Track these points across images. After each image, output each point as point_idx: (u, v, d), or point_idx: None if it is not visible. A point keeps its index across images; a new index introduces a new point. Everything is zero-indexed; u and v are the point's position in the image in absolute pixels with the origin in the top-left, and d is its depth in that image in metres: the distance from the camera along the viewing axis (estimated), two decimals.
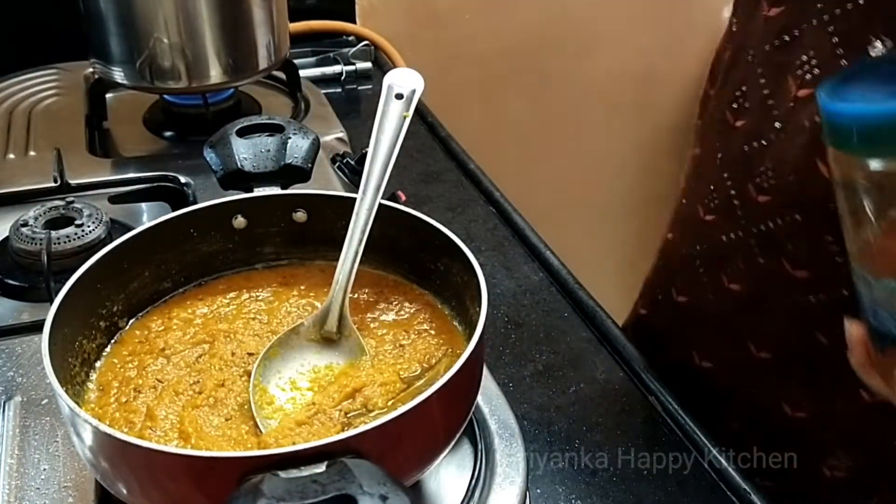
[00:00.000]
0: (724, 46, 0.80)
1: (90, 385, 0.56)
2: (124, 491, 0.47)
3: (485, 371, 0.60)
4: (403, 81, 0.61)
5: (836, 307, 0.66)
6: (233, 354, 0.58)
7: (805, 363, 0.72)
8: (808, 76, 0.67)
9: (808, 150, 0.66)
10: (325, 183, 0.86)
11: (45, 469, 0.56)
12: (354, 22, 1.37)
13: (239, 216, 0.64)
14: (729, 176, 0.75)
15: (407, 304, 0.62)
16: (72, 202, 0.80)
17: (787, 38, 0.68)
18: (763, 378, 0.74)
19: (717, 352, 0.78)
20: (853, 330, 0.53)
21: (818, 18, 0.65)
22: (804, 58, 0.67)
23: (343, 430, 0.51)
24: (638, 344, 0.78)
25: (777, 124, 0.69)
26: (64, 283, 0.54)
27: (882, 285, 0.48)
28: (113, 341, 0.59)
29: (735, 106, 0.74)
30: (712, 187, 0.77)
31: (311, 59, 1.25)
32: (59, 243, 0.75)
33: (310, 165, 0.67)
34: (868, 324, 0.50)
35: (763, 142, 0.71)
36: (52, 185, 0.87)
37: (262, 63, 0.97)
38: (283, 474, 0.40)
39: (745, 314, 0.75)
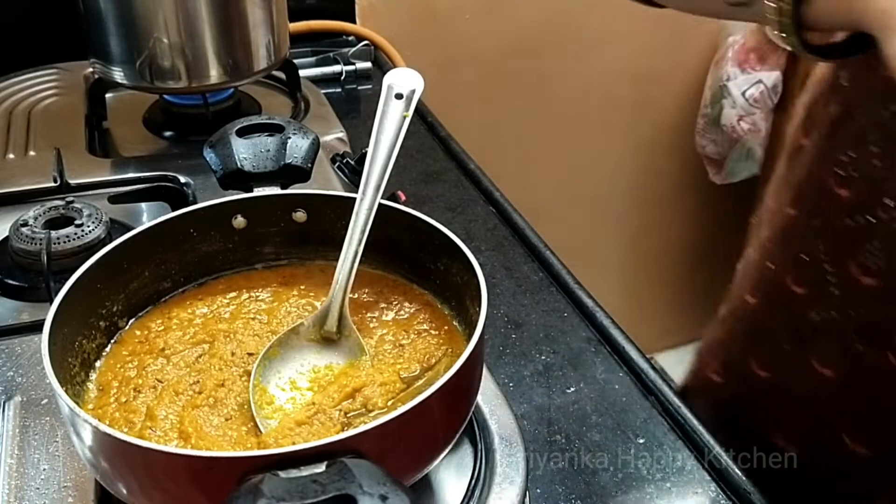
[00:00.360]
0: (825, 98, 0.70)
1: (90, 385, 0.56)
2: (124, 491, 0.47)
3: (485, 371, 0.60)
4: (403, 81, 0.61)
5: None
6: (233, 354, 0.58)
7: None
8: None
9: None
10: (325, 183, 0.86)
11: (44, 469, 0.56)
12: (354, 22, 1.37)
13: (239, 216, 0.64)
14: (825, 249, 0.67)
15: (407, 304, 0.62)
16: (71, 202, 0.80)
17: None
18: (859, 475, 0.67)
19: (803, 438, 0.71)
20: None
21: None
22: None
23: (343, 430, 0.51)
24: (706, 411, 0.71)
25: (888, 201, 0.62)
26: (64, 283, 0.54)
27: None
28: (113, 341, 0.59)
29: (841, 172, 0.66)
30: (805, 257, 0.69)
31: (311, 59, 1.25)
32: (58, 243, 0.75)
33: (309, 165, 0.67)
34: None
35: (871, 218, 0.63)
36: (52, 184, 0.87)
37: (262, 63, 0.97)
38: (282, 474, 0.40)
39: (838, 402, 0.68)
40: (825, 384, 0.68)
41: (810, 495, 0.71)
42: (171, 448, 0.47)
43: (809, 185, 0.70)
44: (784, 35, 0.54)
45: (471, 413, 0.54)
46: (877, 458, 0.66)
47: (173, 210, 0.64)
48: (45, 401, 0.61)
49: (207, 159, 0.68)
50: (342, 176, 0.92)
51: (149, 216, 0.87)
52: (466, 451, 0.59)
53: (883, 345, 0.64)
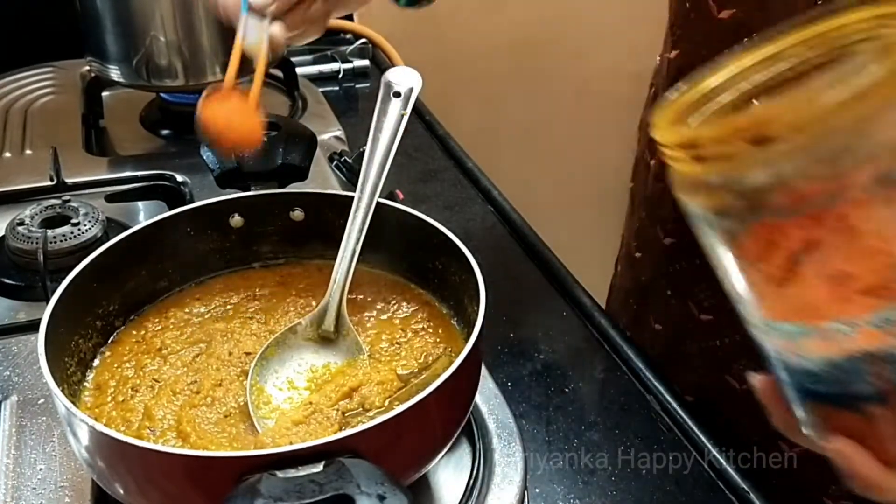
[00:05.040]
0: (651, 82, 0.82)
1: (87, 384, 0.56)
2: (121, 491, 0.47)
3: (483, 370, 0.60)
4: (401, 80, 0.61)
5: (740, 351, 0.69)
6: (230, 354, 0.58)
7: (722, 408, 0.73)
8: None
9: None
10: (323, 181, 0.86)
11: (41, 469, 0.56)
12: (352, 20, 1.37)
13: (236, 215, 0.64)
14: (647, 215, 0.76)
15: (405, 304, 0.62)
16: (68, 201, 0.79)
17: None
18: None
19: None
20: (761, 386, 0.46)
21: (703, 63, 0.65)
22: None
23: (340, 430, 0.51)
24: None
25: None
26: (60, 283, 0.54)
27: (779, 331, 0.41)
28: (110, 341, 0.59)
29: (650, 145, 0.75)
30: (637, 225, 0.78)
31: (309, 58, 1.25)
32: (55, 242, 0.74)
33: (307, 164, 0.67)
34: (779, 379, 0.43)
35: (663, 183, 0.71)
36: (49, 183, 0.87)
37: None
38: (280, 474, 0.40)
39: (667, 356, 0.76)
40: (658, 339, 0.78)
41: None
42: (168, 448, 0.47)
43: (639, 159, 0.79)
44: None
45: (469, 412, 0.54)
46: (698, 404, 0.73)
47: (170, 209, 0.63)
48: (42, 400, 0.61)
49: (204, 158, 0.67)
50: (340, 175, 0.91)
51: (146, 215, 0.87)
52: (465, 450, 0.59)
53: (686, 297, 0.73)
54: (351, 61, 1.24)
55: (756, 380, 0.47)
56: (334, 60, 1.24)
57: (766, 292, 0.40)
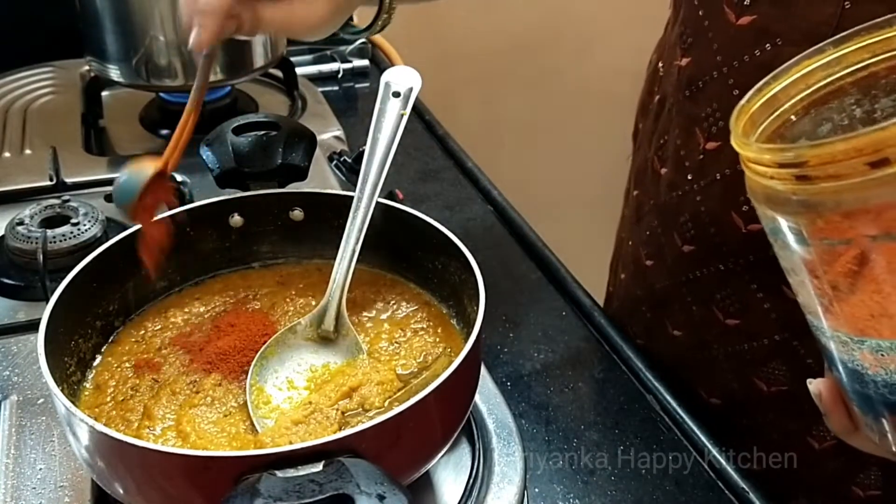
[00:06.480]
0: (650, 89, 0.80)
1: (86, 384, 0.56)
2: (121, 491, 0.47)
3: (483, 370, 0.60)
4: (401, 79, 0.61)
5: (770, 354, 0.68)
6: None
7: (748, 410, 0.73)
8: (713, 129, 0.66)
9: (722, 202, 0.66)
10: (323, 181, 0.86)
11: (41, 469, 0.56)
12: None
13: (235, 215, 0.64)
14: (659, 223, 0.75)
15: (404, 303, 0.62)
16: (67, 201, 0.79)
17: (694, 88, 0.68)
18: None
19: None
20: (823, 391, 0.46)
21: (718, 70, 0.65)
22: (709, 109, 0.67)
23: (340, 430, 0.51)
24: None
25: (689, 175, 0.69)
26: (60, 283, 0.54)
27: (867, 345, 0.40)
28: (109, 340, 0.59)
29: (660, 153, 0.74)
30: (648, 233, 0.77)
31: (308, 57, 1.25)
32: (54, 242, 0.74)
33: (307, 164, 0.67)
34: (853, 390, 0.43)
35: (680, 192, 0.71)
36: (48, 183, 0.87)
37: (259, 61, 0.97)
38: (280, 474, 0.40)
39: (689, 362, 0.76)
40: (679, 345, 0.76)
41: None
42: (167, 447, 0.47)
43: (643, 167, 0.78)
44: None
45: (469, 412, 0.54)
46: (725, 408, 0.75)
47: (169, 209, 0.63)
48: (42, 400, 0.61)
49: (204, 158, 0.67)
50: (339, 174, 0.91)
51: None
52: (464, 450, 0.59)
53: (708, 301, 0.71)
54: (350, 61, 1.24)
55: (815, 385, 0.47)
56: (334, 60, 1.24)
57: (844, 302, 0.40)
